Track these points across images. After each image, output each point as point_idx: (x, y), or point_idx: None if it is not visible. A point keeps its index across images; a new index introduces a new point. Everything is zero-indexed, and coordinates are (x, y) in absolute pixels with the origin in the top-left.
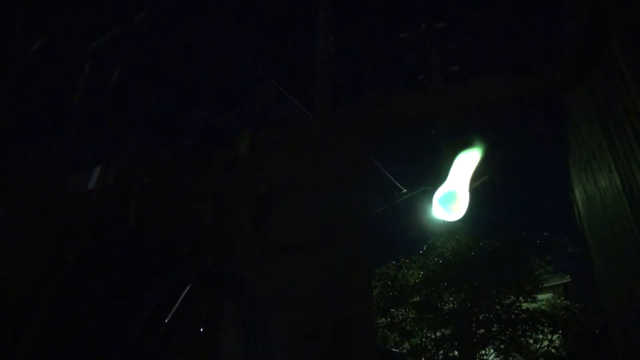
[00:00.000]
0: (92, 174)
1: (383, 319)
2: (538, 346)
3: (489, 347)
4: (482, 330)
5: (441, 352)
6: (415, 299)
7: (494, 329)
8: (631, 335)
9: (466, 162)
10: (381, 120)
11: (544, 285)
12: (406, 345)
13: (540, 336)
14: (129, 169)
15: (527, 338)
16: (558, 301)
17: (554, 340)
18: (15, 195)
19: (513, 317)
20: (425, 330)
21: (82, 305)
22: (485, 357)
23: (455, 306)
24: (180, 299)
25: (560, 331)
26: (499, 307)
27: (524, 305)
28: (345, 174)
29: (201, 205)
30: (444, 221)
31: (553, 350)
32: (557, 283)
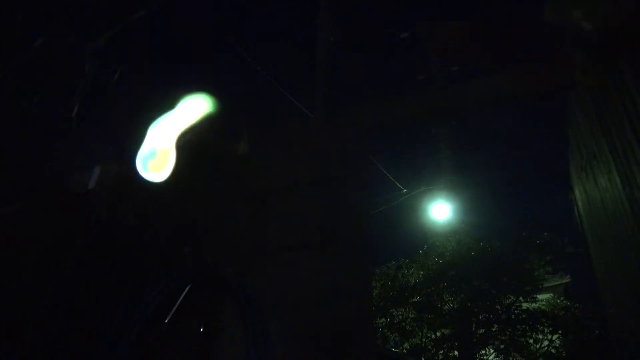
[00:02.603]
0: (92, 174)
1: (383, 319)
2: (538, 346)
3: (489, 347)
4: (482, 330)
5: (441, 352)
6: (415, 299)
7: (494, 329)
8: (630, 335)
9: (186, 115)
10: (381, 120)
11: (544, 285)
12: (406, 345)
13: (540, 336)
14: (129, 169)
15: (527, 338)
16: (558, 301)
17: (554, 340)
18: (16, 195)
19: (513, 317)
20: (425, 330)
21: (82, 305)
22: (485, 357)
23: (455, 306)
24: (180, 299)
25: (560, 331)
26: (499, 307)
27: (524, 305)
28: (345, 174)
29: (201, 205)
30: (444, 221)
31: (553, 350)
32: (557, 283)
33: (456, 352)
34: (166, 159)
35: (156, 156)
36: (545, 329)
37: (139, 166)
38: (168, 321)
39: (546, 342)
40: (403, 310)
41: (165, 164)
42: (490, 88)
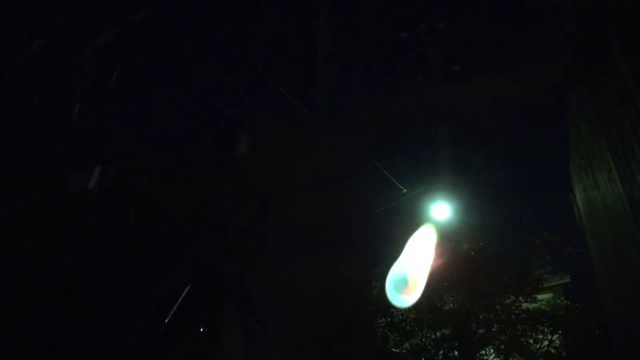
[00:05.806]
0: (92, 174)
1: (383, 319)
2: (538, 346)
3: (489, 347)
4: (482, 330)
5: (441, 352)
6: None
7: (494, 329)
8: (631, 336)
9: (422, 241)
10: (381, 120)
11: (544, 285)
12: (406, 345)
13: (540, 336)
14: (128, 169)
15: (527, 338)
16: (558, 301)
17: (554, 340)
18: (15, 195)
19: (513, 317)
20: (425, 330)
21: (82, 305)
22: (485, 357)
23: (455, 306)
24: (180, 299)
25: (560, 331)
26: (499, 307)
27: (524, 305)
28: (345, 174)
29: (201, 205)
30: (444, 221)
31: (553, 350)
32: (557, 283)
33: (456, 352)
34: (416, 285)
35: (407, 282)
36: (545, 329)
37: (389, 288)
38: (168, 321)
39: (546, 342)
40: (403, 310)
41: (415, 290)
42: (489, 88)
